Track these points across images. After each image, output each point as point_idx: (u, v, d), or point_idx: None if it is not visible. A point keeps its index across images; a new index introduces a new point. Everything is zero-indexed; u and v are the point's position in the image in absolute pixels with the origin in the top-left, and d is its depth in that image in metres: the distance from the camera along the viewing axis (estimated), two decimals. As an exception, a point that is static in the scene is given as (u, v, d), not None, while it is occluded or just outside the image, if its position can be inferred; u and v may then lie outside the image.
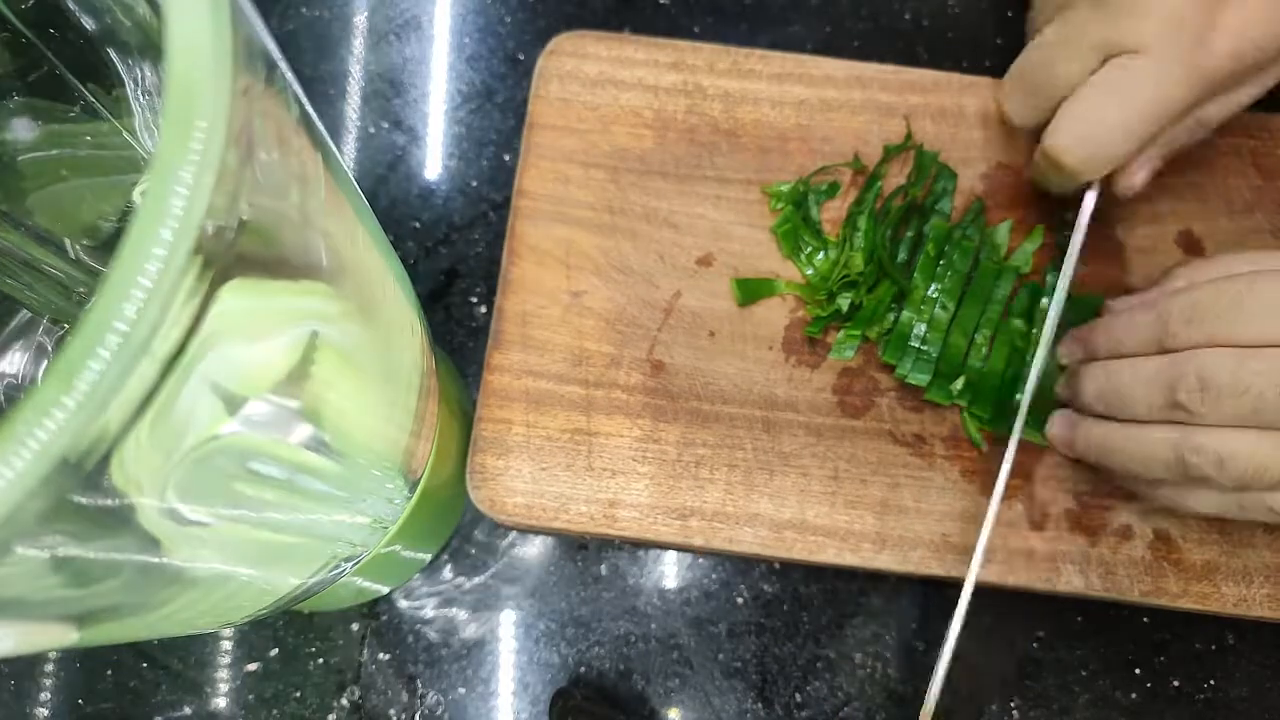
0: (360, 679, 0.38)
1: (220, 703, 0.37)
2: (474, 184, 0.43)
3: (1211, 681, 0.37)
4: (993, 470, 0.36)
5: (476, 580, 0.39)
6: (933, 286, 0.37)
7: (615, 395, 0.37)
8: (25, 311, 0.29)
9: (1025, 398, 0.35)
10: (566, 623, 0.38)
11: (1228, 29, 0.31)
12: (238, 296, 0.14)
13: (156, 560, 0.18)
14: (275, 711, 0.37)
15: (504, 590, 0.39)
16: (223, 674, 0.38)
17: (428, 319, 0.38)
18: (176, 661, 0.38)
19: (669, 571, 0.39)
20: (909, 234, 0.38)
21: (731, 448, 0.36)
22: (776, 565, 0.38)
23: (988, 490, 0.36)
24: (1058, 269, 0.37)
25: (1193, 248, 0.38)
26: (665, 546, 0.38)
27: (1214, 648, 0.37)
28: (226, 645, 0.38)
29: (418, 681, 0.38)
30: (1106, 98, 0.32)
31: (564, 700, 0.36)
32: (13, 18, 0.23)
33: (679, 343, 0.37)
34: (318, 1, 0.46)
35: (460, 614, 0.38)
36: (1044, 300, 0.37)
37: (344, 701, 0.37)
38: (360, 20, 0.46)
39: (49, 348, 0.29)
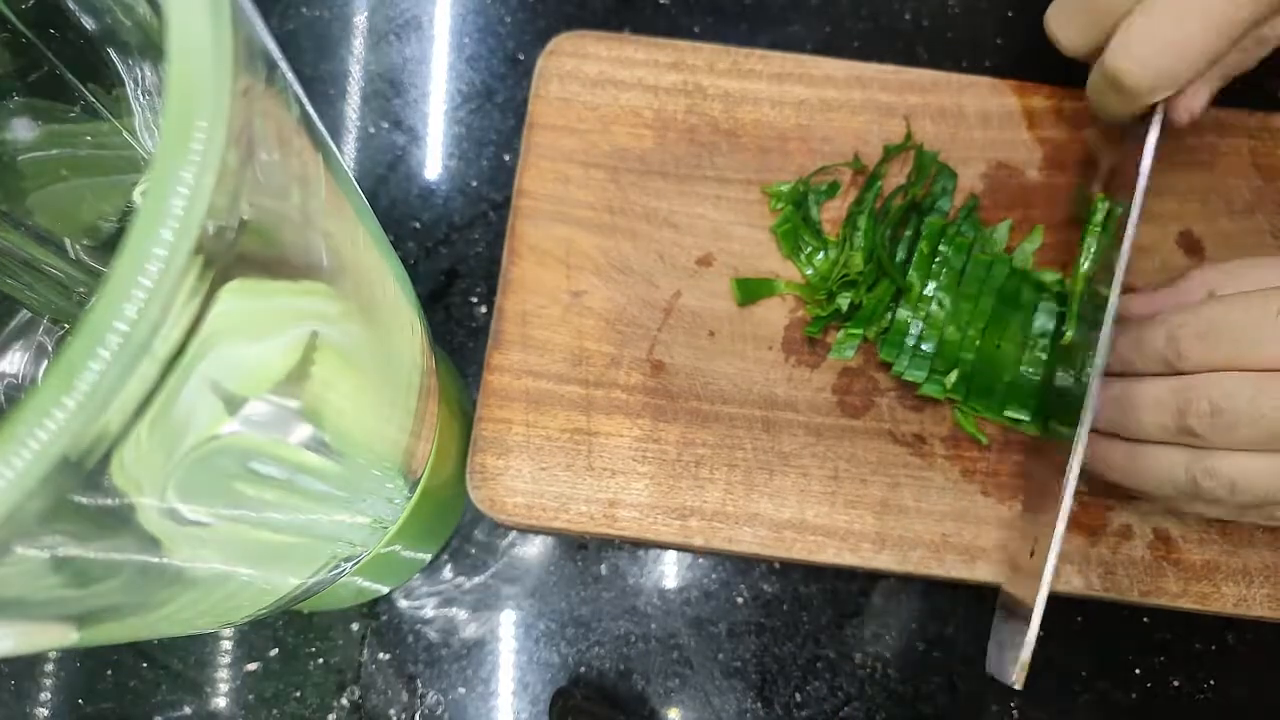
0: (360, 679, 0.38)
1: (220, 703, 0.37)
2: (474, 184, 0.43)
3: (1211, 681, 0.37)
4: (993, 471, 0.36)
5: (476, 580, 0.39)
6: (930, 284, 0.37)
7: (615, 395, 0.37)
8: (25, 311, 0.29)
9: (1090, 399, 0.32)
10: (566, 623, 0.38)
11: None
12: (238, 296, 0.14)
13: (156, 560, 0.18)
14: (275, 711, 0.37)
15: (504, 590, 0.39)
16: (223, 674, 0.38)
17: (428, 319, 0.38)
18: (176, 661, 0.38)
19: (669, 571, 0.39)
20: (908, 233, 0.38)
21: (731, 447, 0.36)
22: (776, 565, 0.38)
23: (988, 490, 0.36)
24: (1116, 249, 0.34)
25: (1193, 248, 0.38)
26: (665, 546, 0.38)
27: (1214, 648, 0.37)
28: (226, 645, 0.38)
29: (418, 681, 0.38)
30: (1171, 14, 0.31)
31: (564, 700, 0.36)
32: (13, 18, 0.23)
33: (679, 343, 0.37)
34: (318, 1, 0.46)
35: (460, 614, 0.38)
36: (1051, 300, 0.37)
37: (344, 701, 0.37)
38: (360, 20, 0.46)
39: (49, 348, 0.29)
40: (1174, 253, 0.38)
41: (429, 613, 0.38)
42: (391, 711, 0.37)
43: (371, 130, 0.44)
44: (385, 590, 0.38)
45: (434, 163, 0.44)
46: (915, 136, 0.39)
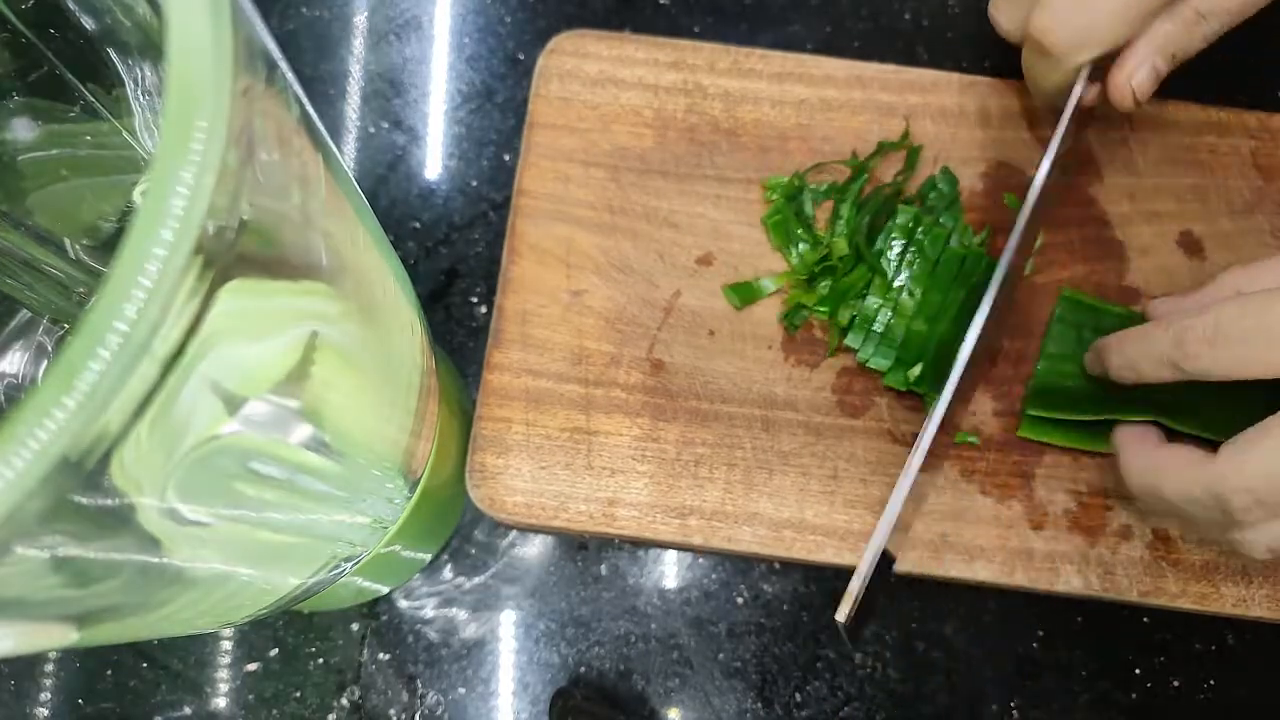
0: (360, 679, 0.38)
1: (220, 703, 0.37)
2: (474, 184, 0.43)
3: (1211, 681, 0.37)
4: (992, 470, 0.36)
5: (476, 580, 0.39)
6: (903, 274, 0.37)
7: (615, 394, 0.37)
8: (25, 311, 0.29)
9: (960, 362, 0.32)
10: (566, 623, 0.38)
11: None
12: (238, 296, 0.14)
13: (156, 560, 0.18)
14: (275, 711, 0.37)
15: (504, 590, 0.39)
16: (223, 674, 0.38)
17: (428, 319, 0.38)
18: (176, 661, 0.38)
19: (669, 571, 0.39)
20: (892, 223, 0.38)
21: (731, 447, 0.36)
22: (776, 565, 0.38)
23: (986, 490, 0.36)
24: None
25: (1193, 248, 0.38)
26: (664, 545, 0.38)
27: (1214, 648, 0.37)
28: (226, 645, 0.38)
29: (418, 681, 0.38)
30: None
31: (564, 700, 0.36)
32: (13, 18, 0.23)
33: (678, 342, 0.37)
34: (318, 1, 0.46)
35: (460, 614, 0.38)
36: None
37: (344, 701, 0.37)
38: (360, 20, 0.46)
39: (49, 348, 0.29)
40: (1174, 253, 0.38)
41: (429, 613, 0.38)
42: (391, 711, 0.37)
43: (371, 130, 0.44)
44: (385, 590, 0.38)
45: (434, 163, 0.44)
46: (916, 137, 0.39)
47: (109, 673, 0.38)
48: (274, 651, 0.38)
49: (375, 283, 0.23)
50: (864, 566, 0.30)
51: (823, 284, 0.37)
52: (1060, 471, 0.36)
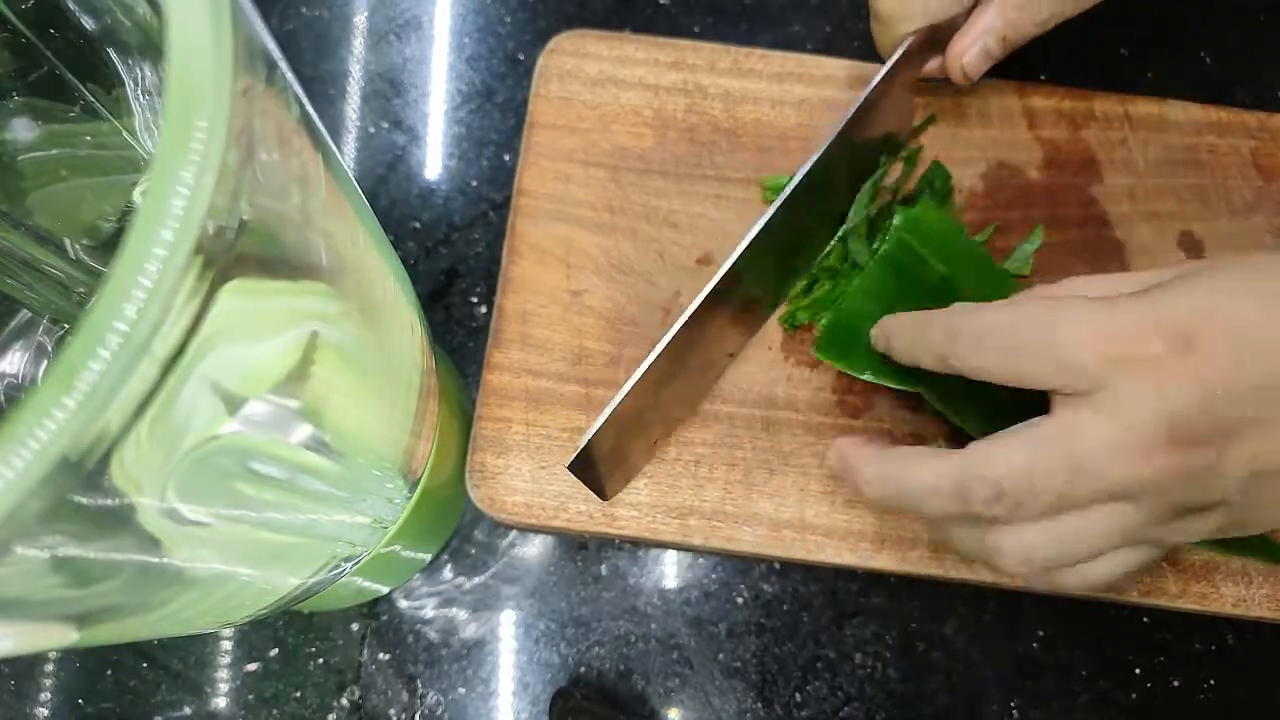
0: (360, 679, 0.38)
1: (220, 703, 0.37)
2: (474, 184, 0.43)
3: (1211, 681, 0.37)
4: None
5: (476, 580, 0.39)
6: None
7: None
8: (25, 311, 0.29)
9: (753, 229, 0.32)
10: (566, 623, 0.38)
11: None
12: (238, 296, 0.14)
13: (156, 560, 0.18)
14: (275, 711, 0.37)
15: (504, 590, 0.39)
16: (223, 674, 0.38)
17: (428, 319, 0.38)
18: (176, 661, 0.38)
19: (669, 571, 0.39)
20: (889, 223, 0.38)
21: (731, 447, 0.36)
22: (776, 565, 0.38)
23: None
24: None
25: (1193, 248, 0.38)
26: (664, 546, 0.38)
27: (1214, 648, 0.37)
28: (226, 645, 0.38)
29: (418, 681, 0.38)
30: None
31: (564, 700, 0.36)
32: (13, 18, 0.23)
33: (679, 342, 0.37)
34: (318, 1, 0.46)
35: (460, 614, 0.38)
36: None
37: (344, 701, 0.37)
38: (360, 20, 0.46)
39: (49, 348, 0.29)
40: (1174, 253, 0.38)
41: (429, 613, 0.38)
42: (391, 711, 0.37)
43: (371, 130, 0.44)
44: (385, 590, 0.38)
45: (434, 163, 0.44)
46: (915, 137, 0.39)
47: (109, 673, 0.38)
48: (274, 651, 0.38)
49: (375, 283, 0.23)
50: (599, 420, 0.30)
51: (822, 285, 0.37)
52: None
